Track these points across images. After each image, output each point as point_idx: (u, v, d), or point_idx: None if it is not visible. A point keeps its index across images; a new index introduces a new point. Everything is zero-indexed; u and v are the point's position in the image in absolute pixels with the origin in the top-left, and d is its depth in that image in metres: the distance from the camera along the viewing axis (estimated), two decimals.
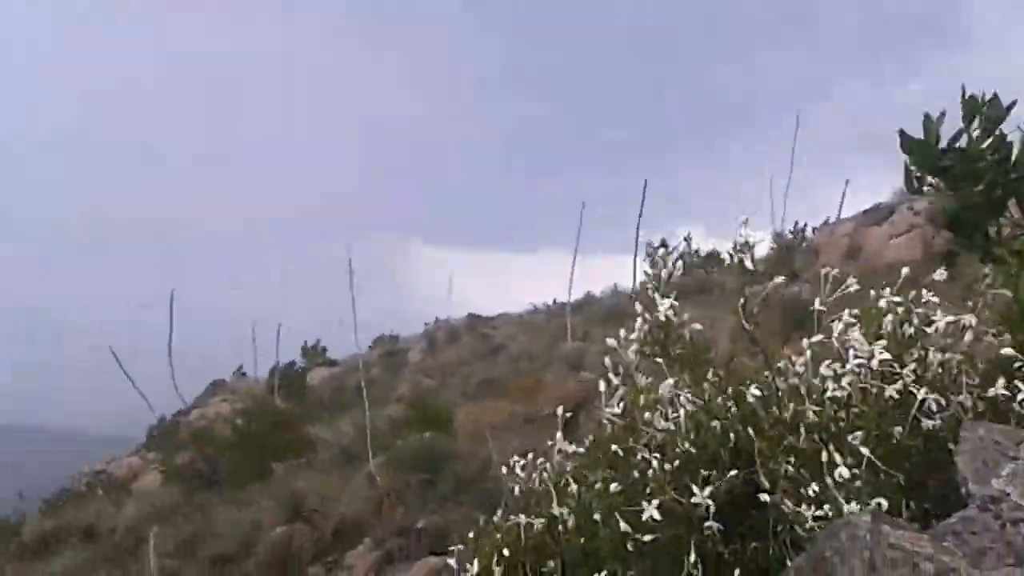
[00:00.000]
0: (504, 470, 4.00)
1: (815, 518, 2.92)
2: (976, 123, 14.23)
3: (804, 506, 2.96)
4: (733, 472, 3.06)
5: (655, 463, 3.13)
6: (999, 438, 3.22)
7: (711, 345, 3.45)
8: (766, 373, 3.42)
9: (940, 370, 3.56)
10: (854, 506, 2.91)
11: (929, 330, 3.65)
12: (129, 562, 17.43)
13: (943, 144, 14.72)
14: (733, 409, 3.27)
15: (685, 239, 33.49)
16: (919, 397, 3.28)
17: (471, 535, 3.99)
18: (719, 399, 3.33)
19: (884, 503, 2.90)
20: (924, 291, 3.83)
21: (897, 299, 3.70)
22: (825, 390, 3.32)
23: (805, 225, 26.81)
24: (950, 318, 3.66)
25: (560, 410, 4.18)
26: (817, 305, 3.58)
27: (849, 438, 3.13)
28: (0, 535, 23.99)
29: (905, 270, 3.90)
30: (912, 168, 15.53)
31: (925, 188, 16.12)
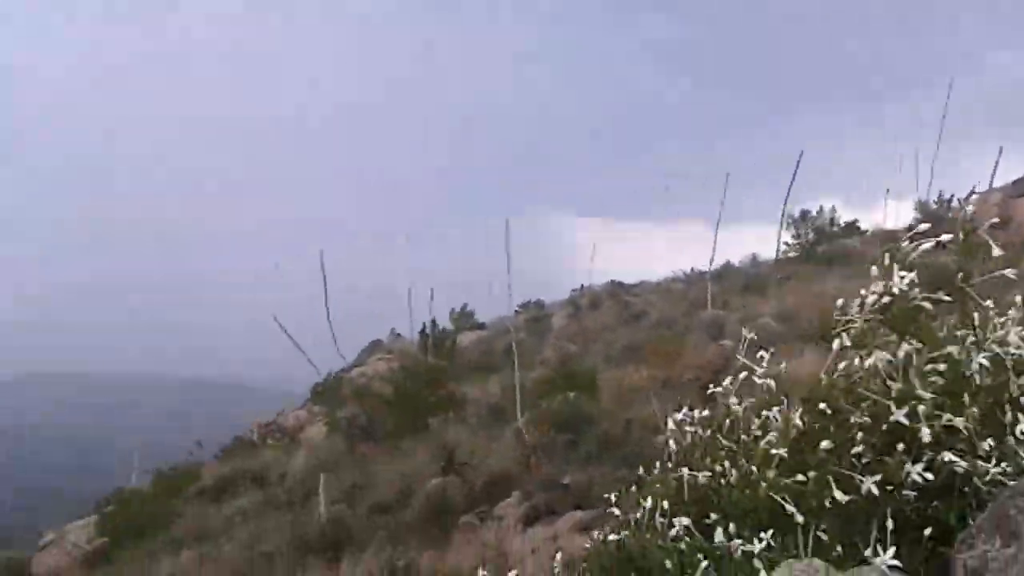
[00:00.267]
0: (668, 424, 3.86)
1: (993, 477, 2.76)
2: None
3: (983, 463, 2.81)
4: (935, 447, 2.91)
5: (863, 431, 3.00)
6: None
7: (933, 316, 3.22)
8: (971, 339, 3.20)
9: None
10: None
11: None
12: (298, 507, 18.06)
13: None
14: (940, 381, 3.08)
15: (825, 209, 32.53)
16: None
17: (630, 487, 3.88)
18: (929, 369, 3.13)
19: None
20: None
21: None
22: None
23: (951, 196, 25.63)
24: None
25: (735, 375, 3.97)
26: (1010, 273, 3.32)
27: None
28: (181, 480, 25.25)
29: None
30: None
31: None
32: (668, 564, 2.92)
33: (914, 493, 2.93)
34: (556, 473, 13.90)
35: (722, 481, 3.32)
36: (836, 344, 3.28)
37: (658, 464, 3.73)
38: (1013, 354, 3.18)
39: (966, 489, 2.89)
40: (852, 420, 3.12)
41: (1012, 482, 2.74)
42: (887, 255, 3.30)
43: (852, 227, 33.25)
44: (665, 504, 3.32)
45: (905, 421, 2.98)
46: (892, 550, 2.65)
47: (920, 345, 3.17)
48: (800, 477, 3.04)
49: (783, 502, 2.96)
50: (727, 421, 3.60)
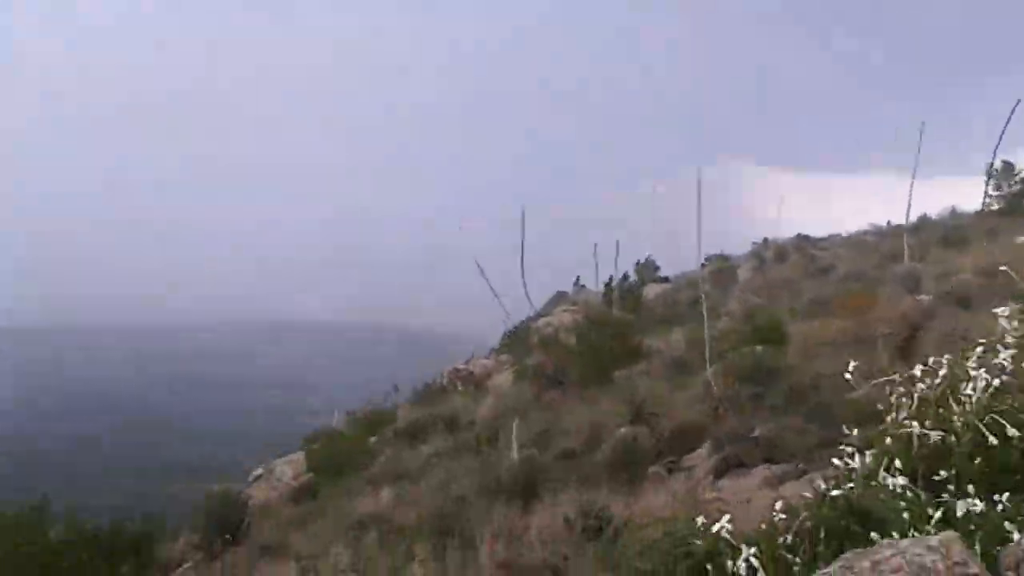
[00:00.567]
0: (857, 378, 3.67)
1: None
2: None
3: None
4: None
5: None
6: None
7: None
8: None
9: None
10: None
11: None
12: (486, 452, 18.46)
13: None
14: None
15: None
16: None
17: (842, 443, 3.73)
18: None
19: None
20: None
21: None
22: None
23: None
24: None
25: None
26: None
27: None
28: (378, 422, 26.33)
29: None
30: None
31: None
32: (904, 516, 2.78)
33: None
34: (744, 426, 13.61)
35: (954, 439, 3.14)
36: None
37: (887, 419, 3.55)
38: None
39: None
40: None
41: None
42: None
43: None
44: (896, 462, 3.16)
45: None
46: None
47: None
48: None
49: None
50: (957, 381, 3.40)
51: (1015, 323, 3.72)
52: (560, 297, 35.88)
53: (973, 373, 3.34)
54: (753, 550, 3.21)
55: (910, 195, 25.31)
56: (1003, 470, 2.89)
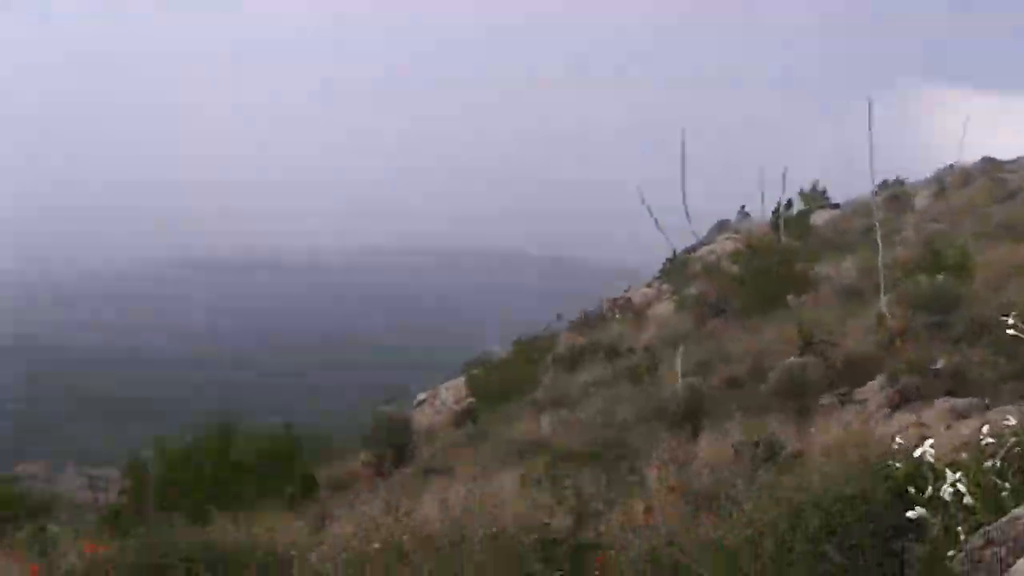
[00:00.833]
0: None
1: None
2: None
3: None
4: None
5: None
6: None
7: None
8: None
9: None
10: None
11: None
12: (647, 379, 18.36)
13: None
14: None
15: None
16: None
17: None
18: None
19: None
20: None
21: None
22: None
23: None
24: None
25: None
26: None
27: None
28: (539, 348, 26.57)
29: None
30: None
31: None
32: None
33: None
34: (923, 357, 12.98)
35: None
36: None
37: None
38: None
39: None
40: None
41: None
42: None
43: None
44: None
45: None
46: None
47: None
48: None
49: None
50: None
51: None
52: (722, 225, 35.03)
53: None
54: (959, 474, 3.01)
55: None
56: None
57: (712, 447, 9.52)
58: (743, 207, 35.07)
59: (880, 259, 17.09)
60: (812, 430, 10.18)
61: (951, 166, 34.32)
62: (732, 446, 8.67)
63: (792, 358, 14.01)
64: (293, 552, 5.68)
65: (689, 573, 3.76)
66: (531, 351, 26.09)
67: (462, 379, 26.56)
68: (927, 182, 34.86)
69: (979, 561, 2.76)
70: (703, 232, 32.59)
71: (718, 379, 16.11)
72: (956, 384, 11.87)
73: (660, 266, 31.91)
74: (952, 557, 2.93)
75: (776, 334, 17.19)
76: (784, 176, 26.52)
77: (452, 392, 26.77)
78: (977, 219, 24.57)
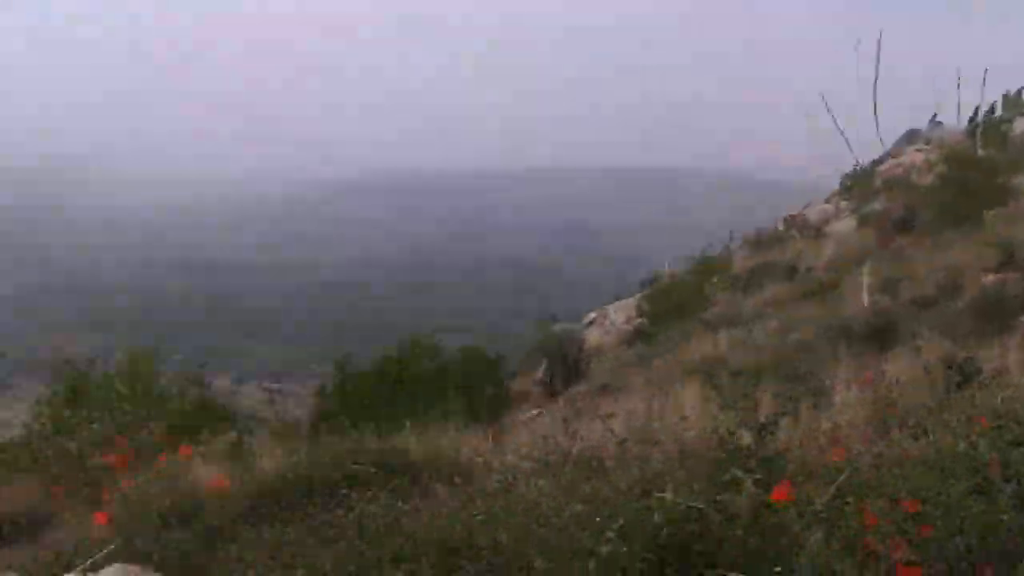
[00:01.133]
0: None
1: None
2: None
3: None
4: None
5: None
6: None
7: None
8: None
9: None
10: None
11: None
12: (828, 298, 17.74)
13: None
14: None
15: None
16: None
17: None
18: None
19: None
20: None
21: None
22: None
23: None
24: None
25: None
26: None
27: None
28: (713, 268, 26.12)
29: None
30: None
31: None
32: None
33: None
34: None
35: None
36: None
37: None
38: None
39: None
40: None
41: None
42: None
43: None
44: None
45: None
46: None
47: None
48: None
49: None
50: None
51: None
52: (911, 135, 33.06)
53: None
54: None
55: None
56: None
57: (901, 367, 9.08)
58: (934, 116, 33.00)
59: None
60: (1011, 351, 9.56)
61: None
62: (923, 366, 8.23)
63: (989, 276, 13.18)
64: (480, 457, 5.81)
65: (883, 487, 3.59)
66: (704, 271, 25.66)
67: (631, 300, 26.44)
68: None
69: None
70: (889, 144, 30.95)
71: (905, 298, 15.36)
72: None
73: (840, 181, 30.60)
74: None
75: (968, 250, 16.21)
76: (984, 80, 24.69)
77: (622, 312, 26.69)
78: None
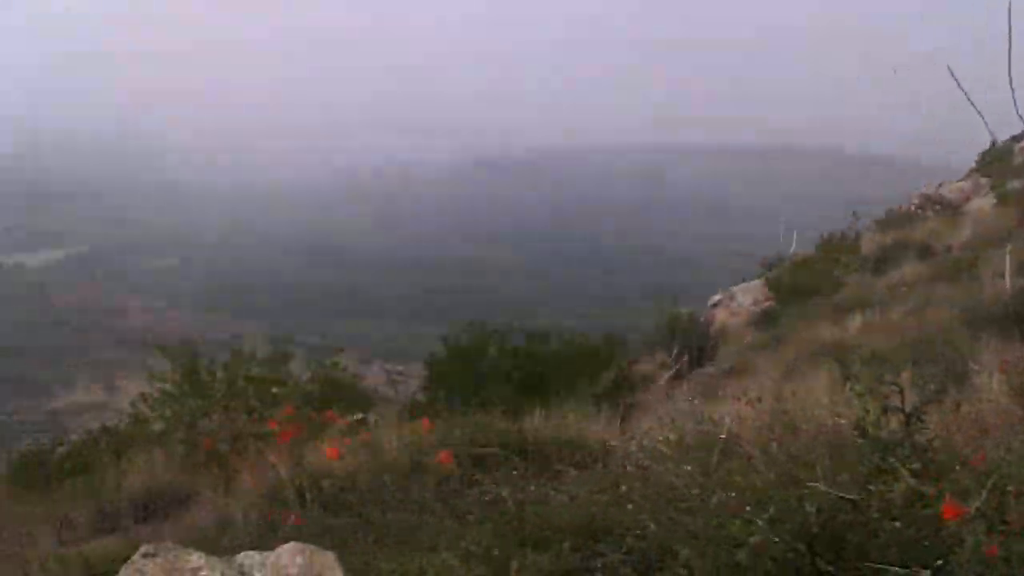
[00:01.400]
0: None
1: None
2: None
3: None
4: None
5: None
6: None
7: None
8: None
9: None
10: None
11: None
12: (965, 280, 17.00)
13: None
14: None
15: None
16: None
17: None
18: None
19: None
20: None
21: None
22: None
23: None
24: None
25: None
26: None
27: None
28: (842, 248, 25.30)
29: None
30: None
31: None
32: None
33: None
34: None
35: None
36: None
37: None
38: None
39: None
40: None
41: None
42: None
43: None
44: None
45: None
46: None
47: None
48: None
49: None
50: None
51: None
52: None
53: None
54: None
55: None
56: None
57: None
58: None
59: None
60: None
61: None
62: None
63: None
64: (612, 442, 5.76)
65: None
66: (834, 251, 24.90)
67: (758, 281, 25.88)
68: None
69: None
70: None
71: None
72: None
73: (979, 157, 29.20)
74: None
75: None
76: None
77: (748, 294, 26.18)
78: None
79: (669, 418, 6.03)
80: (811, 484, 3.16)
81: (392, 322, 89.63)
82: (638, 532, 3.53)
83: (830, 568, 3.01)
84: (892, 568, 2.88)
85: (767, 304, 23.10)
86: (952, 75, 14.10)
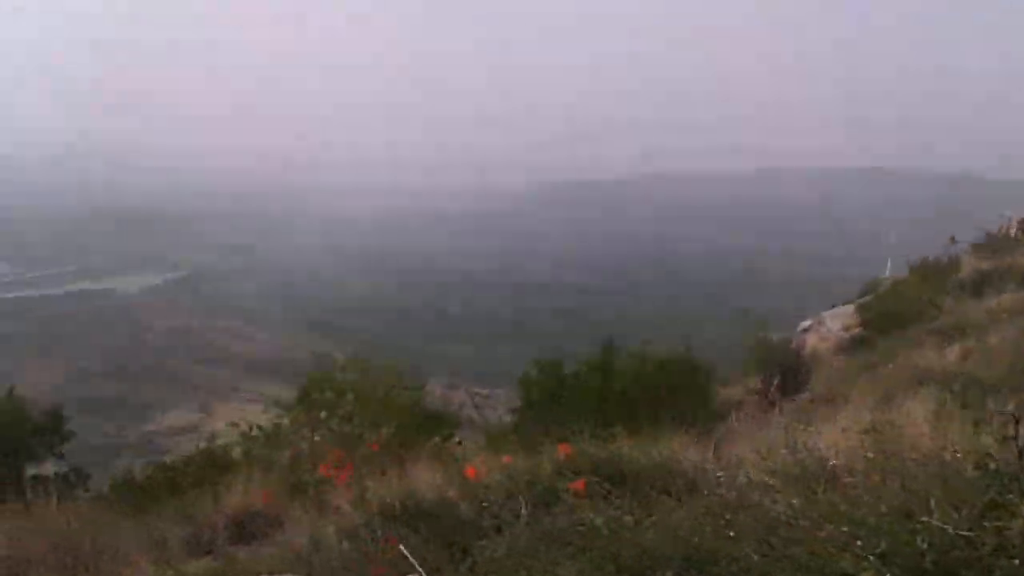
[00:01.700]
0: None
1: None
2: None
3: None
4: None
5: None
6: None
7: None
8: None
9: None
10: None
11: None
12: None
13: None
14: None
15: None
16: None
17: None
18: None
19: None
20: None
21: None
22: None
23: None
24: None
25: None
26: None
27: None
28: (939, 273, 24.62)
29: None
30: None
31: None
32: None
33: None
34: None
35: None
36: None
37: None
38: None
39: None
40: None
41: None
42: None
43: None
44: None
45: None
46: None
47: None
48: None
49: None
50: None
51: None
52: None
53: None
54: None
55: None
56: None
57: None
58: None
59: None
60: None
61: None
62: None
63: None
64: (708, 466, 5.65)
65: None
66: (930, 275, 24.22)
67: (849, 306, 25.34)
68: None
69: None
70: None
71: None
72: None
73: None
74: None
75: None
76: None
77: (839, 319, 25.65)
78: None
79: (767, 446, 5.90)
80: (924, 519, 3.05)
81: (477, 345, 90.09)
82: (741, 563, 3.45)
83: None
84: None
85: (857, 330, 22.59)
86: None
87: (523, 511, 5.11)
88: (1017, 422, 4.17)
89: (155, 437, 64.33)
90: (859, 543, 3.07)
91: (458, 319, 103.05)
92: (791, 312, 29.02)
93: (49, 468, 18.94)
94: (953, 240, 28.72)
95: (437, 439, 10.02)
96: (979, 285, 21.72)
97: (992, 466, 3.45)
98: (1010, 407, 6.89)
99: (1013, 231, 27.60)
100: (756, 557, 3.42)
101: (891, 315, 21.07)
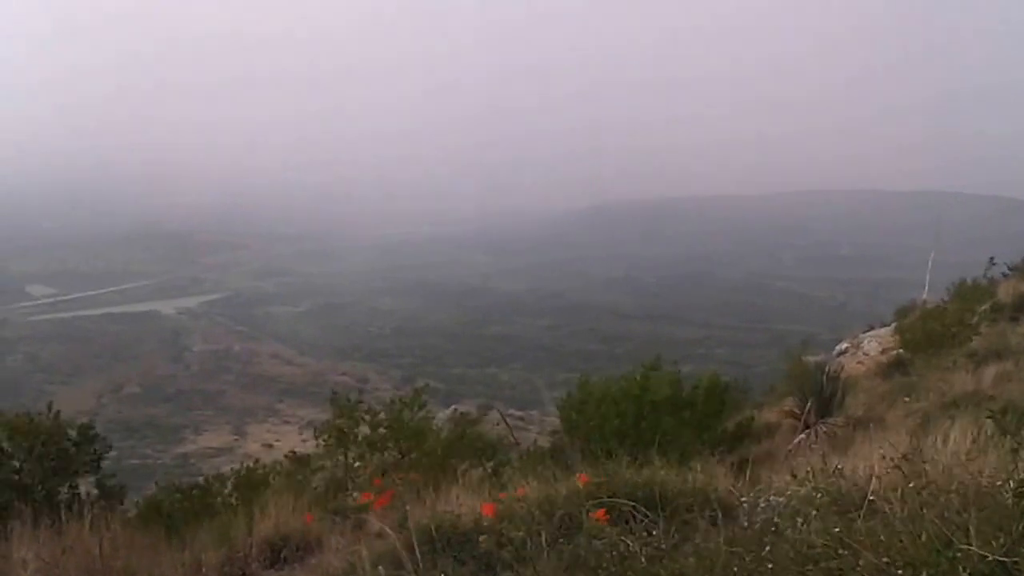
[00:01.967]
0: None
1: None
2: None
3: None
4: None
5: None
6: None
7: None
8: None
9: None
10: None
11: None
12: None
13: None
14: None
15: None
16: None
17: None
18: None
19: None
20: None
21: None
22: None
23: None
24: None
25: None
26: None
27: None
28: (976, 296, 24.37)
29: None
30: None
31: None
32: None
33: None
34: None
35: None
36: None
37: None
38: None
39: None
40: None
41: None
42: None
43: None
44: None
45: None
46: None
47: None
48: None
49: None
50: None
51: None
52: None
53: None
54: None
55: None
56: None
57: None
58: None
59: None
60: None
61: None
62: None
63: None
64: (744, 497, 5.59)
65: None
66: (968, 298, 23.94)
67: (886, 329, 25.09)
68: None
69: None
70: None
71: None
72: None
73: None
74: None
75: None
76: None
77: (876, 342, 25.42)
78: None
79: (803, 471, 5.84)
80: (965, 547, 3.02)
81: (516, 368, 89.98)
82: None
83: None
84: None
85: (895, 352, 22.35)
86: None
87: (545, 538, 5.09)
88: None
89: (189, 459, 64.77)
90: (900, 573, 3.05)
91: (498, 342, 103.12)
92: (829, 335, 28.78)
93: (84, 486, 19.06)
94: (992, 262, 28.38)
95: (489, 464, 10.02)
96: (1019, 307, 21.48)
97: None
98: None
99: None
100: None
101: (928, 337, 20.85)
